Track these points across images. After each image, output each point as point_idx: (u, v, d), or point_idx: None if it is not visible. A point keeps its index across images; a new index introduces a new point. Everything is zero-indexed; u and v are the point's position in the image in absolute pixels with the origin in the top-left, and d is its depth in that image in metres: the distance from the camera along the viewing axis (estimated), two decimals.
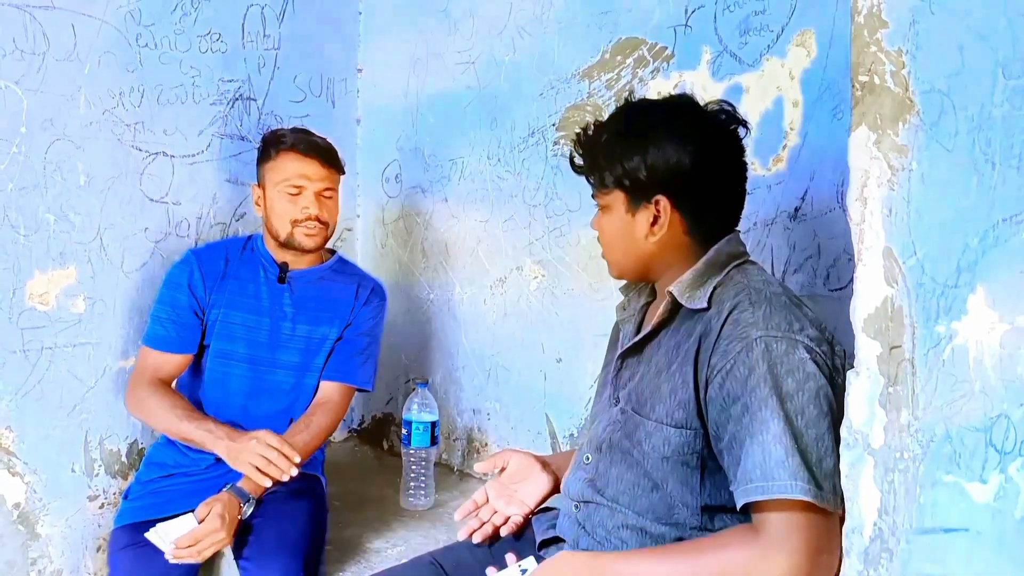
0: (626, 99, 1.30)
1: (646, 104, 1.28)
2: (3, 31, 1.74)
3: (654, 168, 1.17)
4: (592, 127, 1.26)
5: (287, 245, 1.84)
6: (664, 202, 1.19)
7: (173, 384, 1.86)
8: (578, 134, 1.28)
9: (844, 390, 1.09)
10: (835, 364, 1.09)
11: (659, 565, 1.10)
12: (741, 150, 1.24)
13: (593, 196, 1.28)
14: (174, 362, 1.83)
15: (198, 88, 2.09)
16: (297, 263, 1.89)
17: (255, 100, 2.23)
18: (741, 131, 1.23)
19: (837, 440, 0.98)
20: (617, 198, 1.22)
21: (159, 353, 1.82)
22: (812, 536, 0.99)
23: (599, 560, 1.15)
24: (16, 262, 1.79)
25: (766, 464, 1.01)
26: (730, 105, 1.24)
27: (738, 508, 1.05)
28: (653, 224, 1.20)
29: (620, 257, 1.27)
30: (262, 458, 1.61)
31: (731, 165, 1.23)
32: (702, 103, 1.25)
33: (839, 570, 0.96)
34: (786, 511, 1.00)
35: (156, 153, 2.01)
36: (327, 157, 1.84)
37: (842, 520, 0.97)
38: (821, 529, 1.00)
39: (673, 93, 1.76)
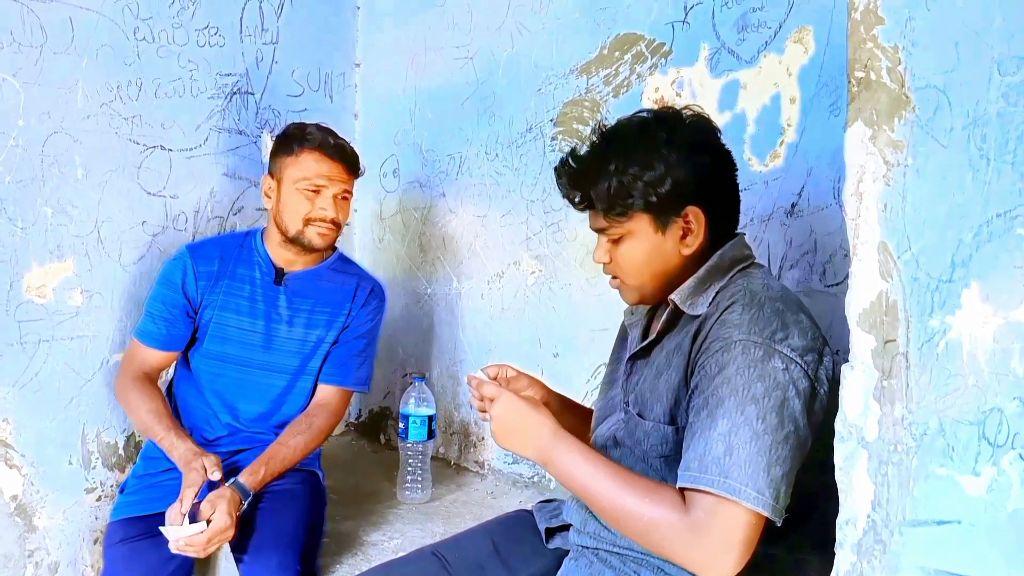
0: (599, 123, 1.25)
1: (633, 120, 1.22)
2: (1, 24, 1.73)
3: (678, 179, 1.15)
4: (580, 156, 1.20)
5: (294, 241, 1.81)
6: (694, 212, 1.17)
7: (162, 375, 1.88)
8: (562, 170, 1.22)
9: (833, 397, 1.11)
10: (818, 375, 1.10)
11: (595, 482, 1.11)
12: (726, 149, 1.24)
13: (602, 230, 1.22)
14: (159, 357, 1.84)
15: (196, 82, 2.09)
16: (295, 264, 1.86)
17: (253, 94, 2.23)
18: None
19: (798, 452, 1.04)
20: (641, 221, 1.18)
21: (146, 348, 1.82)
22: (728, 530, 1.02)
23: (557, 441, 1.16)
24: (13, 255, 1.79)
25: (704, 457, 1.04)
26: (699, 107, 1.25)
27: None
28: (684, 238, 1.19)
29: (647, 280, 1.22)
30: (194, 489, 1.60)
31: (731, 163, 1.24)
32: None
33: (746, 567, 1.02)
34: (711, 500, 1.03)
35: (154, 147, 2.02)
36: (351, 162, 1.83)
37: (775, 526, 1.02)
38: (741, 527, 1.02)
39: (673, 91, 1.78)
